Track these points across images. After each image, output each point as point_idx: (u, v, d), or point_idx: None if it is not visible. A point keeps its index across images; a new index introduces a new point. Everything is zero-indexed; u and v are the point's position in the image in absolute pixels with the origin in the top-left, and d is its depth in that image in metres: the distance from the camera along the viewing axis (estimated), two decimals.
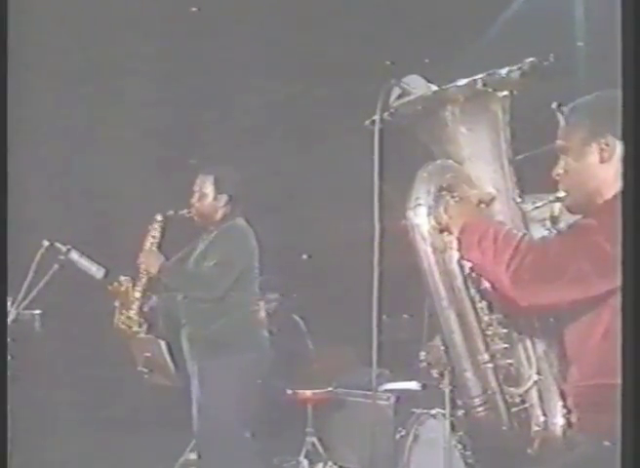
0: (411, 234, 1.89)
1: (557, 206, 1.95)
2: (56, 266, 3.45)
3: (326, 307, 4.54)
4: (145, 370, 3.57)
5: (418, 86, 1.88)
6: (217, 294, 3.41)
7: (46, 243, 3.44)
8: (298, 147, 4.69)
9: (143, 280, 3.48)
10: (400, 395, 3.91)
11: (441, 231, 1.88)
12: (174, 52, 4.54)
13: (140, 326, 3.48)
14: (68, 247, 3.46)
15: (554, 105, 1.89)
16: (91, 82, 4.57)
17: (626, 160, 1.37)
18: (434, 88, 1.89)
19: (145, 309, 3.50)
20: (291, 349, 4.35)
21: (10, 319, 3.48)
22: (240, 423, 3.40)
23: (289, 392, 4.07)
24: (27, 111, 4.37)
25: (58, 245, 3.46)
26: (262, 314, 3.91)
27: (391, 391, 3.94)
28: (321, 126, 4.51)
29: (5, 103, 1.98)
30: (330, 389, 4.12)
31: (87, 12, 4.31)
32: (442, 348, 2.03)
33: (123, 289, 3.49)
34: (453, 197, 1.89)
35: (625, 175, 1.36)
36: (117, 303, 3.51)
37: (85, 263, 3.49)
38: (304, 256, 4.62)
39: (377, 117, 1.81)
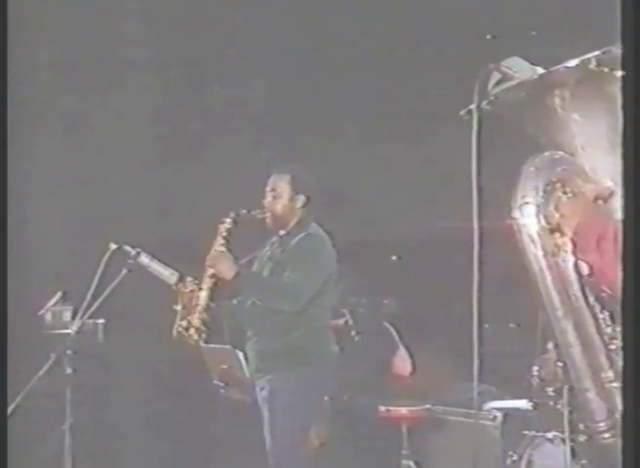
0: (517, 235, 1.91)
1: None
2: (124, 271, 3.55)
3: (421, 314, 4.55)
4: (221, 384, 3.68)
5: (520, 69, 1.88)
6: (298, 308, 3.48)
7: (113, 246, 3.53)
8: (384, 140, 4.69)
9: (209, 284, 3.52)
10: (508, 415, 3.89)
11: (552, 232, 1.90)
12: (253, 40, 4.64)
13: (200, 335, 3.52)
14: (138, 250, 3.54)
15: None
16: (159, 71, 4.73)
17: (626, 158, 1.37)
18: (540, 70, 1.89)
19: (207, 317, 3.53)
20: (382, 361, 4.39)
21: (73, 330, 3.64)
22: (314, 442, 3.51)
23: (382, 409, 4.10)
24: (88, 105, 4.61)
25: (126, 248, 3.55)
26: (341, 321, 3.96)
27: (498, 410, 3.92)
28: (410, 116, 4.48)
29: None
30: (427, 406, 4.11)
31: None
32: (559, 364, 2.03)
33: (187, 290, 3.53)
34: (565, 193, 1.89)
35: (626, 175, 1.36)
36: (179, 307, 3.54)
37: (156, 267, 3.55)
38: (394, 258, 4.64)
39: (474, 106, 1.83)
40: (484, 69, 1.87)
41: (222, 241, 3.54)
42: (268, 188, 3.62)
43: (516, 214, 1.89)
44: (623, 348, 1.47)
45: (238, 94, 4.78)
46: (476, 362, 1.93)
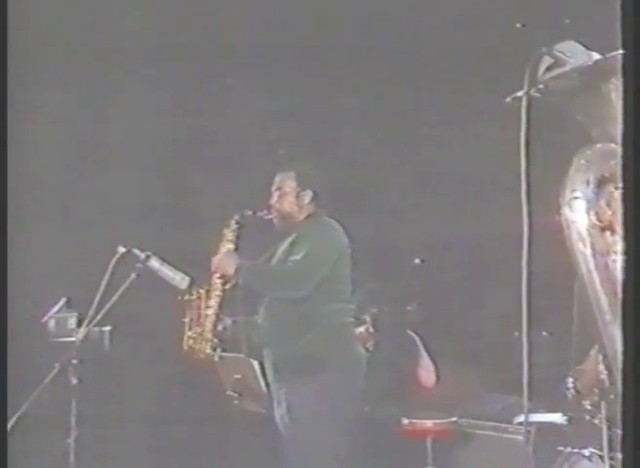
0: (566, 232, 1.89)
1: None
2: (132, 276, 3.54)
3: (446, 321, 4.51)
4: (235, 395, 3.64)
5: (574, 54, 1.84)
6: (303, 292, 3.45)
7: (122, 249, 3.54)
8: (408, 135, 4.65)
9: (217, 291, 3.52)
10: (540, 429, 3.84)
11: (603, 230, 1.87)
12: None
13: (213, 348, 3.51)
14: (148, 253, 3.55)
15: None
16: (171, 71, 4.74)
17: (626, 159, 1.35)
18: (596, 56, 1.85)
19: (220, 328, 3.53)
20: (405, 371, 4.36)
21: (78, 338, 3.61)
22: (335, 456, 3.43)
23: (405, 422, 4.07)
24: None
25: (135, 251, 3.56)
26: (361, 328, 3.93)
27: (530, 424, 3.88)
28: (445, 102, 4.43)
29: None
30: (453, 419, 4.08)
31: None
32: (605, 372, 2.00)
33: (195, 296, 3.52)
34: (617, 189, 1.86)
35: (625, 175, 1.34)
36: (187, 319, 3.53)
37: (167, 272, 3.56)
38: (417, 261, 4.61)
39: (523, 93, 1.80)
40: (535, 53, 1.84)
41: (229, 245, 3.55)
42: (274, 187, 3.64)
43: (565, 210, 1.86)
44: (624, 349, 1.43)
45: (244, 92, 4.77)
46: (526, 373, 1.89)
